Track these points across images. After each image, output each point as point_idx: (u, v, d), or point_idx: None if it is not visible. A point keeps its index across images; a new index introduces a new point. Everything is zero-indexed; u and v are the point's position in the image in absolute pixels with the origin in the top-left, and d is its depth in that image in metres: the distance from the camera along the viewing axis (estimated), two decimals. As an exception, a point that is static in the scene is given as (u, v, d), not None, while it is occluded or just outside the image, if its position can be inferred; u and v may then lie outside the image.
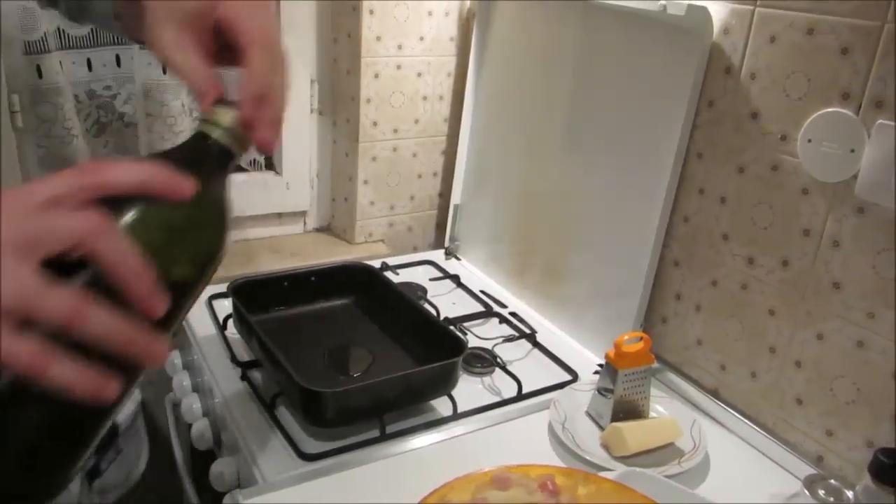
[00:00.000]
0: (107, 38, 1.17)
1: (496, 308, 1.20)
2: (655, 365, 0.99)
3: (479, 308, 1.20)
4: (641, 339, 0.89)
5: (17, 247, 0.39)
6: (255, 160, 1.37)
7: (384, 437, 0.86)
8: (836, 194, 0.80)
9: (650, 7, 0.92)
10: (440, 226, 1.47)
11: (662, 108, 0.95)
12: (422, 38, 1.31)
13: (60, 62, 1.13)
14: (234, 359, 1.00)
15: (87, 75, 1.18)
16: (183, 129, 1.23)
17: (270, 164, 1.40)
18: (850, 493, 0.71)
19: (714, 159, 0.93)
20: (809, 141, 0.81)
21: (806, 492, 0.72)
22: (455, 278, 1.30)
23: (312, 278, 1.11)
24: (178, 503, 1.04)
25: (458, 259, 1.39)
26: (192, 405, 1.02)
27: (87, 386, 0.40)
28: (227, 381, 0.96)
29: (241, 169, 1.37)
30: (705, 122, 0.93)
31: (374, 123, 1.33)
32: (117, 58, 1.19)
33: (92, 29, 1.15)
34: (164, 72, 1.18)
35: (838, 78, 0.78)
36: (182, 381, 1.07)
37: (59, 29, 1.13)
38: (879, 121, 0.75)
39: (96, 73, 1.19)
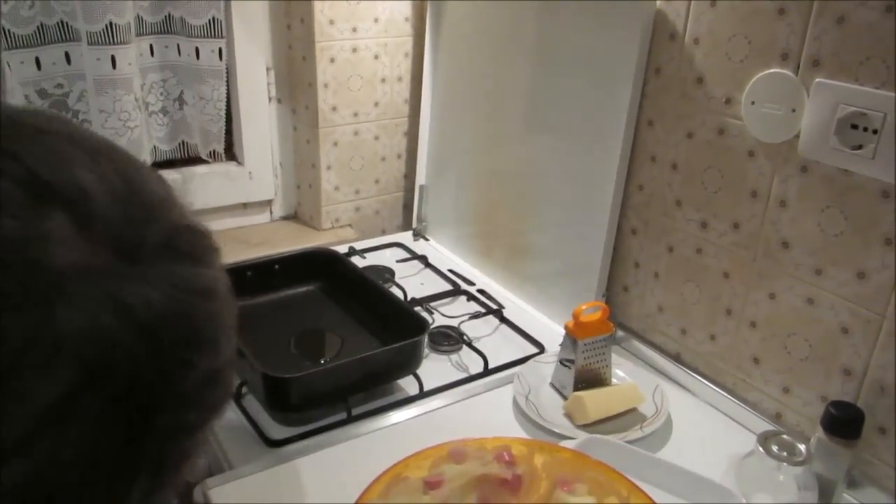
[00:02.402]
0: (54, 35, 1.16)
1: (464, 286, 1.21)
2: (619, 333, 1.01)
3: (447, 287, 1.21)
4: (599, 308, 0.90)
5: None
6: (214, 151, 1.36)
7: (350, 419, 0.87)
8: (780, 155, 0.81)
9: (593, -23, 0.92)
10: (407, 207, 1.48)
11: (613, 79, 0.96)
12: (376, 20, 1.30)
13: (8, 63, 1.12)
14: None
15: (36, 74, 1.17)
16: (137, 123, 1.22)
17: (232, 155, 1.40)
18: (802, 447, 0.73)
19: (664, 126, 0.94)
20: (752, 103, 0.82)
21: (760, 448, 0.73)
22: (423, 259, 1.30)
23: (276, 266, 1.11)
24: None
25: (426, 240, 1.40)
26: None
27: None
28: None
29: (201, 161, 1.36)
30: (654, 89, 0.94)
31: (334, 108, 1.32)
32: (66, 55, 1.18)
33: (38, 27, 1.14)
34: (114, 66, 1.17)
35: (776, 39, 0.79)
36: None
37: (3, 28, 1.11)
38: (817, 79, 0.75)
39: (46, 71, 1.17)
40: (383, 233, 1.46)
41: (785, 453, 0.72)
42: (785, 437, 0.74)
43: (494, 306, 1.14)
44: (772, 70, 0.80)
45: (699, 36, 0.87)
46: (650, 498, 0.66)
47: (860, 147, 0.73)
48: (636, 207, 1.00)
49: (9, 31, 1.12)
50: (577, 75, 1.01)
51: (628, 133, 0.96)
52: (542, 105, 1.08)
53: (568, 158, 1.05)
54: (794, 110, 0.78)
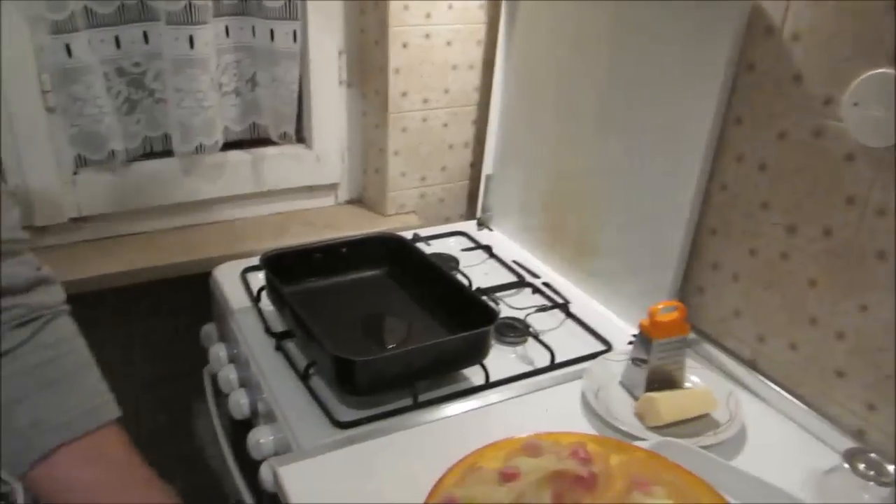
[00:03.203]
0: (134, 14, 1.18)
1: (529, 278, 1.19)
2: (691, 335, 0.98)
3: (512, 278, 1.19)
4: (676, 308, 0.88)
5: None
6: (285, 133, 1.37)
7: (417, 406, 0.87)
8: (882, 160, 0.77)
9: (688, -33, 0.89)
10: (472, 196, 1.46)
11: (700, 74, 0.93)
12: (450, 6, 1.29)
13: (89, 40, 1.14)
14: (268, 330, 1.01)
15: (115, 53, 1.19)
16: (212, 103, 1.23)
17: (301, 138, 1.40)
18: (891, 468, 0.70)
19: (753, 125, 0.90)
20: (855, 104, 0.78)
21: (846, 465, 0.70)
22: (487, 249, 1.29)
23: (344, 249, 1.11)
24: (221, 474, 1.06)
25: (490, 230, 1.38)
26: (228, 376, 1.04)
27: None
28: (262, 352, 0.97)
29: (271, 143, 1.37)
30: (745, 85, 0.90)
31: (404, 94, 1.32)
32: (144, 34, 1.20)
33: (119, 6, 1.16)
34: (192, 46, 1.18)
35: (884, 37, 0.75)
36: (218, 352, 1.09)
37: (86, 7, 1.13)
38: (930, 82, 0.71)
39: (125, 50, 1.19)
40: (447, 221, 1.45)
41: (872, 472, 0.69)
42: (872, 455, 0.71)
43: (560, 300, 1.12)
44: (879, 70, 0.76)
45: (799, 32, 0.83)
46: (731, 507, 0.64)
47: (973, 155, 0.69)
48: (717, 207, 0.96)
49: (91, 9, 1.14)
50: (661, 70, 0.98)
51: (714, 130, 0.93)
52: (620, 98, 1.06)
53: (645, 156, 1.02)
54: (900, 113, 0.74)
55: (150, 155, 1.29)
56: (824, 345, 0.85)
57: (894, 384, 0.79)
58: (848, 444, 0.81)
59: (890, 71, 0.75)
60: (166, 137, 1.28)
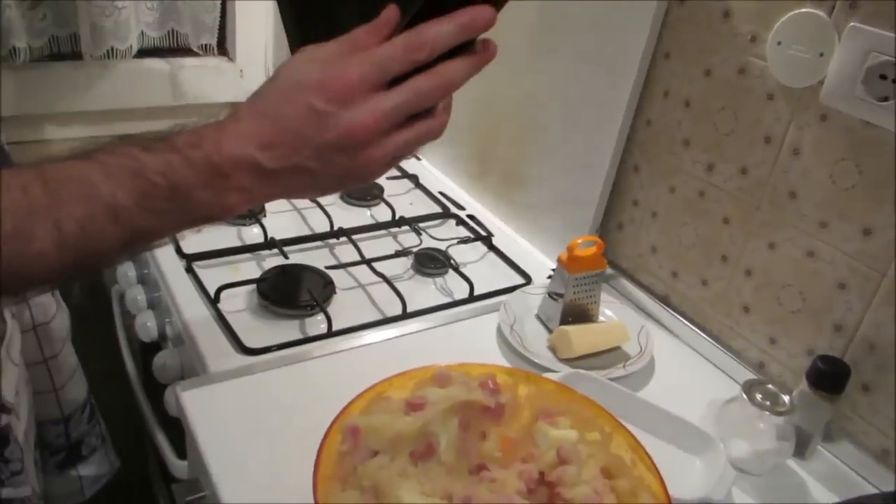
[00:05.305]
0: None
1: (454, 210, 1.18)
2: (609, 271, 0.99)
3: (437, 209, 1.18)
4: (595, 243, 0.88)
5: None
6: (207, 45, 1.29)
7: (331, 334, 0.85)
8: (800, 100, 0.77)
9: None
10: (401, 124, 1.42)
11: (632, 6, 0.90)
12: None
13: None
14: (179, 251, 0.97)
15: (21, -60, 1.08)
16: (125, 4, 1.14)
17: (224, 51, 1.33)
18: (786, 398, 0.73)
19: (682, 60, 0.89)
20: (779, 43, 0.78)
21: (744, 395, 0.73)
22: (413, 178, 1.26)
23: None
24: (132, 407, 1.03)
25: (418, 159, 1.35)
26: (136, 296, 1.00)
27: None
28: (171, 273, 0.93)
29: (192, 53, 1.29)
30: (675, 19, 0.89)
31: (333, 10, 1.25)
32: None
33: None
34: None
35: (815, -25, 0.74)
36: (126, 271, 1.05)
37: None
38: (851, 23, 0.71)
39: (32, -63, 1.09)
40: (374, 148, 1.41)
41: (768, 402, 0.72)
42: (770, 386, 0.74)
43: (484, 233, 1.11)
44: (804, 9, 0.75)
45: (731, -35, 0.82)
46: (633, 436, 0.66)
47: (886, 99, 0.70)
48: (641, 143, 0.96)
49: None
50: (594, 4, 0.95)
51: (643, 65, 0.92)
52: (551, 29, 1.03)
53: (574, 87, 1.00)
54: (821, 55, 0.74)
55: (56, 56, 1.19)
56: (733, 281, 0.88)
57: (795, 320, 0.81)
58: (750, 376, 0.84)
59: (815, 11, 0.74)
60: (75, 37, 1.18)
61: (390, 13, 0.51)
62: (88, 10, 1.12)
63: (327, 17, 0.57)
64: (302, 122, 0.49)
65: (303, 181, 0.52)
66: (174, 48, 1.29)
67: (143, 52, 1.25)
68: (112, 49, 1.17)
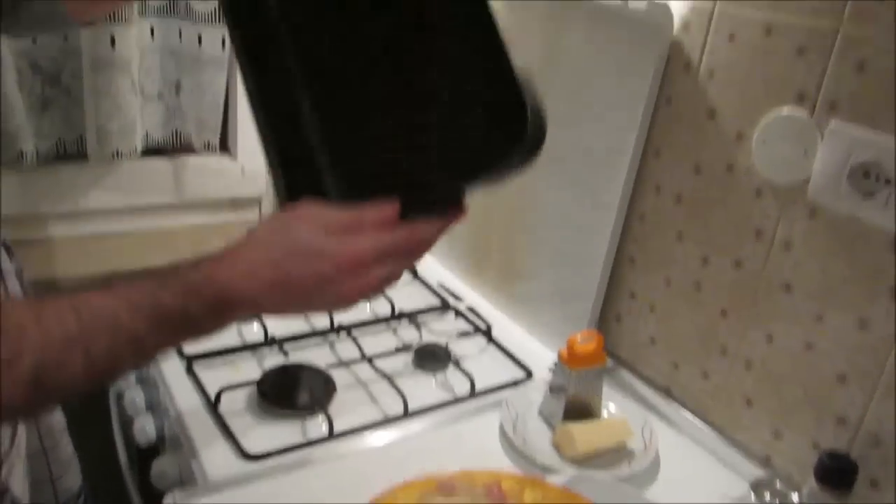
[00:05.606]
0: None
1: (452, 301, 1.19)
2: (609, 362, 0.99)
3: (436, 302, 1.18)
4: (594, 338, 0.88)
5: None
6: (209, 142, 1.33)
7: (332, 437, 0.84)
8: (788, 196, 0.80)
9: (611, 3, 0.90)
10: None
11: (622, 106, 0.94)
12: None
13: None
14: (179, 351, 0.97)
15: (31, 47, 1.12)
16: (132, 107, 1.18)
17: (226, 147, 1.36)
18: (794, 495, 0.72)
19: (671, 157, 0.92)
20: (764, 142, 0.81)
21: (752, 495, 0.72)
22: (412, 271, 1.27)
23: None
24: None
25: (416, 250, 1.37)
26: (134, 398, 0.99)
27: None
28: (172, 374, 0.93)
29: (192, 151, 1.32)
30: (664, 118, 0.92)
31: (332, 110, 1.29)
32: (63, 30, 1.14)
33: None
34: (113, 46, 1.13)
35: (794, 78, 0.77)
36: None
37: None
38: (832, 123, 0.74)
39: (41, 44, 1.13)
40: (373, 240, 1.43)
41: (777, 500, 0.71)
42: (778, 485, 0.73)
43: (483, 325, 1.12)
44: (786, 110, 0.78)
45: (714, 69, 0.86)
46: (640, 542, 0.65)
47: (872, 195, 0.72)
48: (636, 237, 0.98)
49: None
50: (586, 100, 0.99)
51: (634, 161, 0.94)
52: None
53: (569, 183, 1.03)
54: (806, 153, 0.77)
55: (62, 157, 1.22)
56: (733, 373, 0.88)
57: (797, 412, 0.81)
58: (755, 470, 0.83)
59: (796, 112, 0.77)
60: (81, 140, 1.22)
61: (395, 210, 0.62)
62: (96, 114, 1.16)
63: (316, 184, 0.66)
64: (312, 286, 0.60)
65: (297, 313, 0.68)
66: (177, 147, 1.33)
67: (148, 151, 1.28)
68: (117, 150, 1.20)
